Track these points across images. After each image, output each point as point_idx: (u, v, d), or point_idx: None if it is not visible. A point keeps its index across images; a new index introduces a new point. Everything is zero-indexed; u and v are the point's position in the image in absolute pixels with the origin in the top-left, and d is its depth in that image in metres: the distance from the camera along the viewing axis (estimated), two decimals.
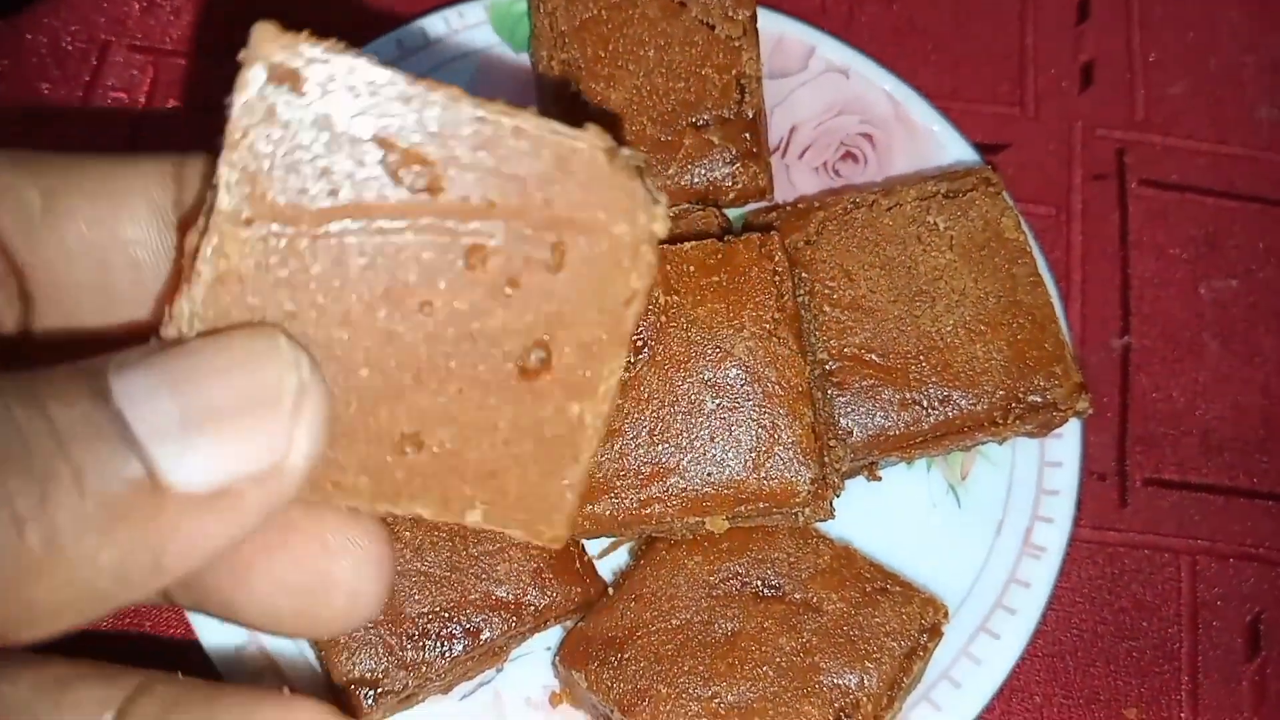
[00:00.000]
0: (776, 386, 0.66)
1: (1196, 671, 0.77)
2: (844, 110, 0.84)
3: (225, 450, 0.30)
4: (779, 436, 0.66)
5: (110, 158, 0.37)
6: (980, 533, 0.74)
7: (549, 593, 0.68)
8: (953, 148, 0.82)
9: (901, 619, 0.67)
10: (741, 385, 0.66)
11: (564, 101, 0.76)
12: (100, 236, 0.36)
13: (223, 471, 0.30)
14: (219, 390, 0.30)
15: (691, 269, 0.68)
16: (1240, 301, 0.86)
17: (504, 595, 0.67)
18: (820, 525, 0.70)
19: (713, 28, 0.77)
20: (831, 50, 0.84)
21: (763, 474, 0.65)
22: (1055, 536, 0.74)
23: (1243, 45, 0.95)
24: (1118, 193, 0.88)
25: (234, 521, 0.31)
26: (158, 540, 0.30)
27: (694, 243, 0.68)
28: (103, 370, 0.30)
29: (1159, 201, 0.89)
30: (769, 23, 0.83)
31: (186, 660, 0.70)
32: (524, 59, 0.83)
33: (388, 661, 0.64)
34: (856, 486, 0.73)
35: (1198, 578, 0.79)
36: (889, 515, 0.74)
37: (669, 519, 0.66)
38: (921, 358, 0.71)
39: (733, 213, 0.79)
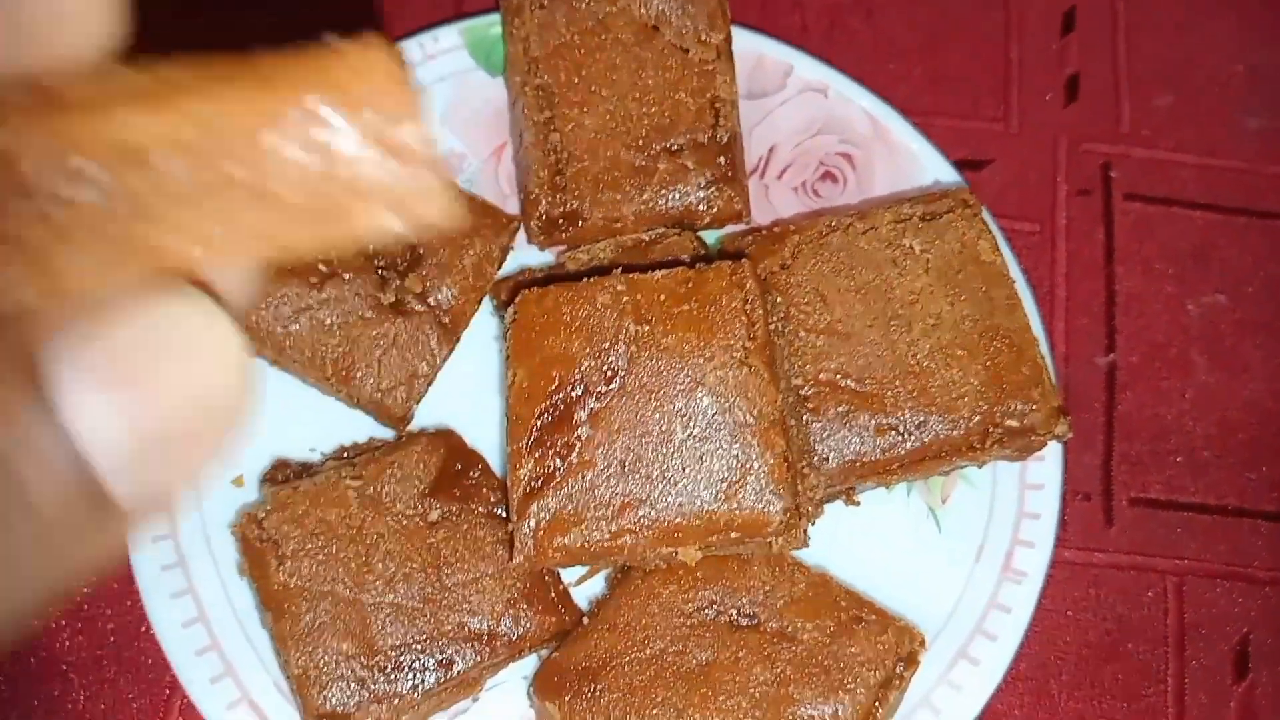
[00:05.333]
0: (748, 416, 0.66)
1: (1183, 694, 0.76)
2: (823, 129, 0.83)
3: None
4: (751, 466, 0.65)
5: None
6: (961, 557, 0.74)
7: (523, 623, 0.68)
8: (932, 166, 0.81)
9: (877, 648, 0.66)
10: (713, 415, 0.66)
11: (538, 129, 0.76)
12: None
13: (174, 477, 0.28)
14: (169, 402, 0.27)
15: (662, 298, 0.67)
16: (1228, 317, 0.85)
17: (478, 626, 0.67)
18: (798, 551, 0.69)
19: (686, 51, 0.77)
20: (810, 69, 0.83)
21: (734, 504, 0.65)
22: (1036, 560, 0.73)
23: (1231, 54, 0.93)
24: (1103, 208, 0.87)
25: None
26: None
27: (664, 272, 0.68)
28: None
29: (1145, 216, 0.87)
30: (747, 43, 0.83)
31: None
32: (500, 83, 0.82)
33: (360, 695, 0.64)
34: (835, 511, 0.73)
35: (1184, 598, 0.78)
36: (868, 540, 0.74)
37: (641, 550, 0.65)
38: (898, 382, 0.70)
39: (709, 235, 0.78)
